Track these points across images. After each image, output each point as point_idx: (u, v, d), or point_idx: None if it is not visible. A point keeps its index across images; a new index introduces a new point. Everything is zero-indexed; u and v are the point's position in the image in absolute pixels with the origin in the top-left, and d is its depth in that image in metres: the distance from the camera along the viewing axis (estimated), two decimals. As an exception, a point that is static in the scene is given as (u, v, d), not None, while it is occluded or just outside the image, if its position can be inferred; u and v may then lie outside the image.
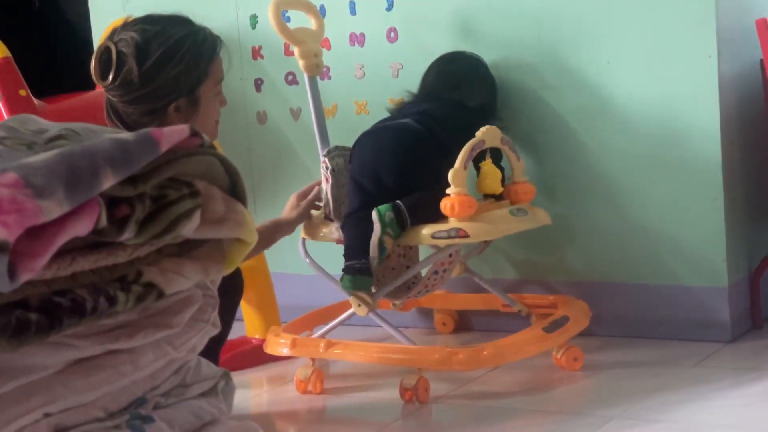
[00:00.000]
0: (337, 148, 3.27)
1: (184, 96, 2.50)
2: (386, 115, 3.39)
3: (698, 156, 3.18)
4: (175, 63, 2.48)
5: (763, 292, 3.32)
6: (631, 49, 3.21)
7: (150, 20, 2.52)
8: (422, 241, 3.03)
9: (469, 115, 3.18)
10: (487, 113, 3.26)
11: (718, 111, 3.14)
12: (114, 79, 2.45)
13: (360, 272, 3.00)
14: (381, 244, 2.96)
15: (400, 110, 3.28)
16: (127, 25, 2.51)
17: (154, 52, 2.46)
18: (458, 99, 3.24)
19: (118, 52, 2.45)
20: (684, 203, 3.22)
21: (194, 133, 1.63)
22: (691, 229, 3.22)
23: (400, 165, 3.07)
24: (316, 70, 3.31)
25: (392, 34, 3.53)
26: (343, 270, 3.02)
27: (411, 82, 3.42)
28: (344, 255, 3.05)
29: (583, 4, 3.25)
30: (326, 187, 3.22)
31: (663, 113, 3.21)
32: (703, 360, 3.10)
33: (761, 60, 3.17)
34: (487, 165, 3.08)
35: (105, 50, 2.47)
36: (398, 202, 2.99)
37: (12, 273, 1.34)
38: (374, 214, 2.96)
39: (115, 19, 3.75)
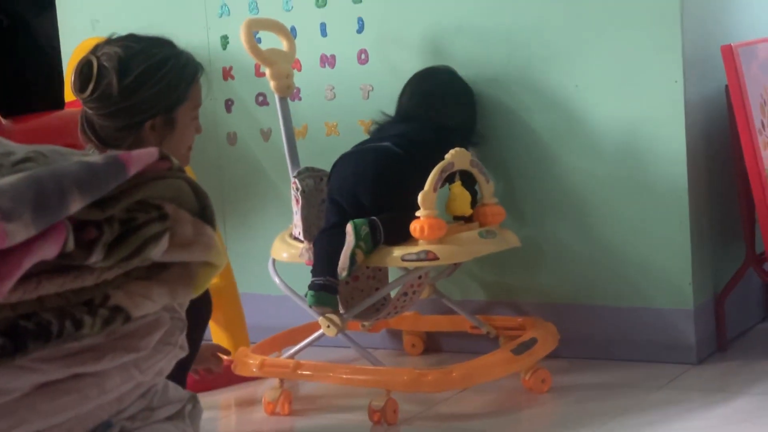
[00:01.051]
0: (307, 169, 3.28)
1: (161, 115, 2.50)
2: (357, 136, 3.41)
3: (665, 179, 3.20)
4: (156, 81, 2.49)
5: (728, 314, 3.34)
6: (598, 73, 3.24)
7: (134, 38, 2.54)
8: (392, 263, 3.04)
9: (448, 135, 3.18)
10: (466, 130, 3.28)
11: (684, 135, 3.17)
12: (93, 91, 2.46)
13: (324, 289, 3.01)
14: (352, 256, 2.97)
15: (380, 132, 3.29)
16: (111, 41, 2.52)
17: (135, 67, 2.47)
18: (436, 119, 3.25)
19: (100, 66, 2.46)
20: (651, 226, 3.24)
21: (163, 157, 1.64)
22: (658, 252, 3.24)
23: (379, 187, 3.08)
24: (287, 91, 3.32)
25: (363, 56, 3.54)
26: (309, 286, 3.03)
27: (381, 103, 3.43)
28: (311, 270, 3.06)
29: (552, 27, 3.28)
30: (296, 208, 3.22)
31: (630, 137, 3.23)
32: (669, 382, 3.11)
33: (726, 85, 3.20)
34: (457, 187, 3.10)
35: (86, 63, 2.48)
36: (374, 218, 3.00)
37: (-22, 297, 1.34)
38: (349, 227, 2.97)
39: (85, 38, 3.77)
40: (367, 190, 3.08)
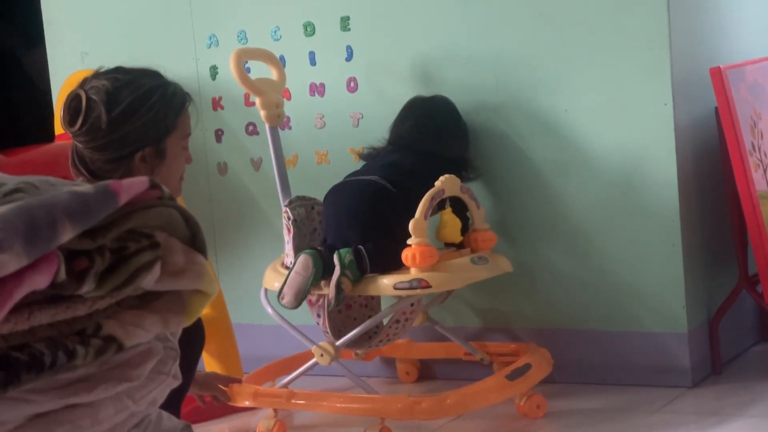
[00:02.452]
0: (298, 198, 3.28)
1: (150, 145, 2.51)
2: (348, 163, 3.41)
3: (656, 203, 3.21)
4: (144, 112, 2.49)
5: (722, 337, 3.33)
6: (588, 97, 3.25)
7: (122, 70, 2.54)
8: (384, 292, 3.03)
9: (442, 166, 3.18)
10: (460, 162, 3.27)
11: (674, 158, 3.17)
12: (82, 124, 2.46)
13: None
14: (338, 285, 2.96)
15: (374, 159, 3.29)
16: (98, 74, 2.53)
17: (123, 99, 2.47)
18: (433, 150, 3.25)
19: (88, 99, 2.46)
20: (643, 250, 3.24)
21: (154, 185, 1.63)
22: (651, 276, 3.24)
23: (363, 224, 3.07)
24: (277, 120, 3.32)
25: (352, 84, 3.54)
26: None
27: (372, 131, 3.43)
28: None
29: (541, 52, 3.29)
30: (288, 237, 3.22)
31: (621, 161, 3.24)
32: (664, 406, 3.11)
33: (716, 108, 3.21)
34: (447, 214, 3.10)
35: (75, 97, 2.48)
36: (360, 246, 3.00)
37: (-31, 328, 1.34)
38: (335, 256, 2.97)
39: (74, 71, 3.77)
40: (353, 228, 3.07)
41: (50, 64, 4.05)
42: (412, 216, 2.98)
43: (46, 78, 4.09)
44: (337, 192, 3.17)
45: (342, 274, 2.97)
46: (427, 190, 3.01)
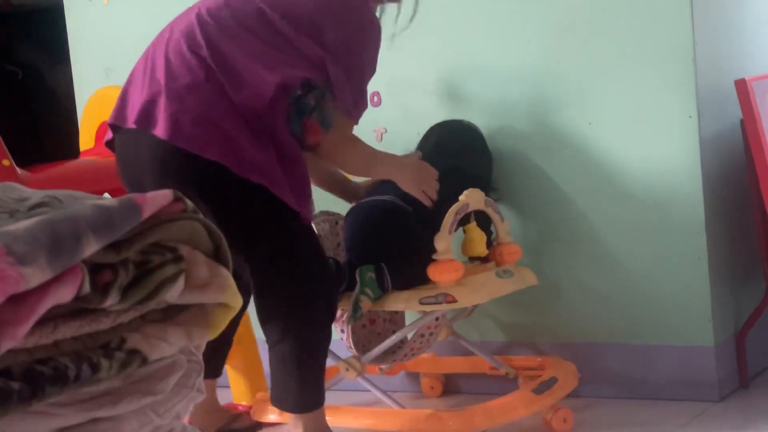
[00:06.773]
0: (322, 213, 3.27)
1: None
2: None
3: (682, 216, 3.19)
4: None
5: (749, 350, 3.31)
6: (612, 110, 3.23)
7: None
8: (410, 307, 3.02)
9: (463, 182, 3.16)
10: (482, 182, 3.26)
11: (700, 171, 3.16)
12: None
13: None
14: (356, 302, 2.95)
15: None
16: None
17: None
18: (454, 166, 3.24)
19: None
20: (669, 263, 3.22)
21: (177, 198, 1.63)
22: (677, 289, 3.22)
23: (378, 246, 3.05)
24: (302, 136, 3.31)
25: (375, 99, 3.54)
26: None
27: (395, 145, 3.42)
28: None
29: (565, 65, 3.28)
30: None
31: (646, 174, 3.22)
32: (692, 420, 3.08)
33: (741, 120, 3.19)
34: (472, 228, 3.09)
35: None
36: (382, 264, 2.99)
37: (-7, 341, 1.34)
38: (357, 273, 2.97)
39: (99, 87, 3.79)
40: (369, 250, 3.06)
41: (75, 81, 4.07)
42: (431, 233, 2.97)
43: (70, 95, 4.12)
44: (353, 214, 3.16)
45: (361, 292, 2.95)
46: (446, 207, 2.99)
